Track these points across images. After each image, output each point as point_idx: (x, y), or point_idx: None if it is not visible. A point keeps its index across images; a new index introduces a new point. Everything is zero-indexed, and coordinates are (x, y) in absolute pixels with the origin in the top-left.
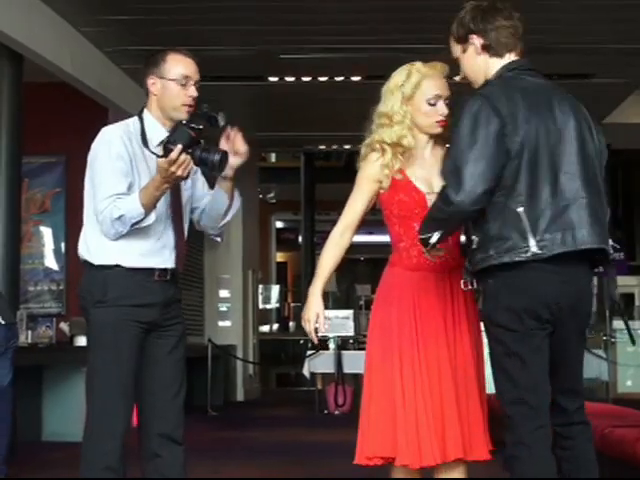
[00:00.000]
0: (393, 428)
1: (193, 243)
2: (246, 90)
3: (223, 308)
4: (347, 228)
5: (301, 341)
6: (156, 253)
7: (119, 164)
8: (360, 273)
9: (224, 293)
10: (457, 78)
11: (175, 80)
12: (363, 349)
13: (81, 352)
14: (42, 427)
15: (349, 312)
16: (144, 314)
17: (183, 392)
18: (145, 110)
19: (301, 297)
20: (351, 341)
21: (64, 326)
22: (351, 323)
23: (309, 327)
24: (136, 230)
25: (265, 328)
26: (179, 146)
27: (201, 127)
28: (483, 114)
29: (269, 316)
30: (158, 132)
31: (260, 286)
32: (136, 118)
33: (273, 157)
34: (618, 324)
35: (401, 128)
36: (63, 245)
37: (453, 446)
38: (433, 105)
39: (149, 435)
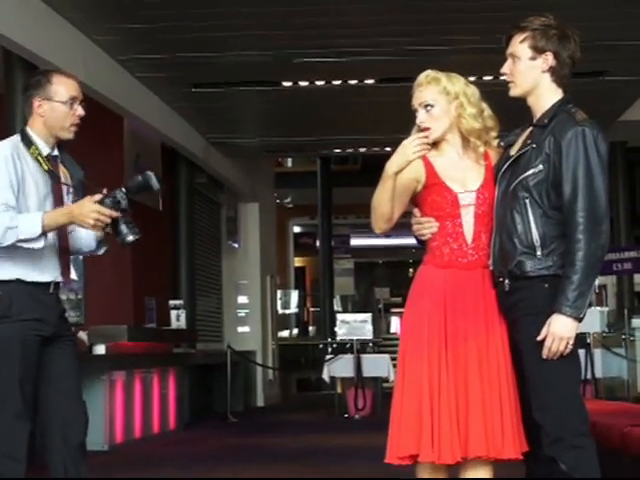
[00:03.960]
0: (419, 425)
1: (210, 250)
2: (260, 95)
3: (242, 314)
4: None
5: (320, 345)
6: (51, 267)
7: (9, 178)
8: (379, 276)
9: (242, 299)
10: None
11: (63, 102)
12: (382, 352)
13: (100, 361)
14: None
15: (367, 315)
16: (44, 328)
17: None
18: (28, 129)
19: (319, 302)
20: (370, 344)
21: (83, 335)
22: (370, 326)
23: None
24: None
25: (284, 333)
26: (116, 214)
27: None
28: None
29: (288, 321)
30: (42, 148)
31: (279, 291)
32: (19, 136)
33: (289, 162)
34: (637, 322)
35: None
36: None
37: (475, 444)
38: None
39: (55, 444)
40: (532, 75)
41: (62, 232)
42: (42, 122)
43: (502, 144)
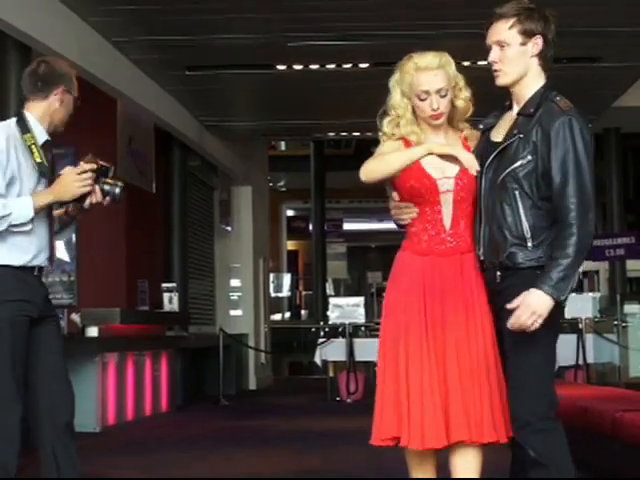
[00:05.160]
0: (399, 409)
1: (203, 233)
2: (254, 78)
3: (234, 297)
4: None
5: (313, 329)
6: (39, 254)
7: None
8: (371, 260)
9: (235, 282)
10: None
11: (75, 98)
12: (374, 336)
13: (93, 343)
14: None
15: (360, 299)
16: (32, 309)
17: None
18: (27, 113)
19: (312, 285)
20: (362, 328)
21: (75, 317)
22: (362, 310)
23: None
24: (26, 232)
25: (277, 316)
26: (90, 166)
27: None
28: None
29: (281, 304)
30: (40, 135)
31: (271, 274)
32: (15, 120)
33: (283, 145)
34: (629, 308)
35: (405, 123)
36: (74, 236)
37: (456, 428)
38: (423, 100)
39: (44, 425)
40: (523, 61)
41: (52, 218)
42: (51, 111)
43: (481, 127)
